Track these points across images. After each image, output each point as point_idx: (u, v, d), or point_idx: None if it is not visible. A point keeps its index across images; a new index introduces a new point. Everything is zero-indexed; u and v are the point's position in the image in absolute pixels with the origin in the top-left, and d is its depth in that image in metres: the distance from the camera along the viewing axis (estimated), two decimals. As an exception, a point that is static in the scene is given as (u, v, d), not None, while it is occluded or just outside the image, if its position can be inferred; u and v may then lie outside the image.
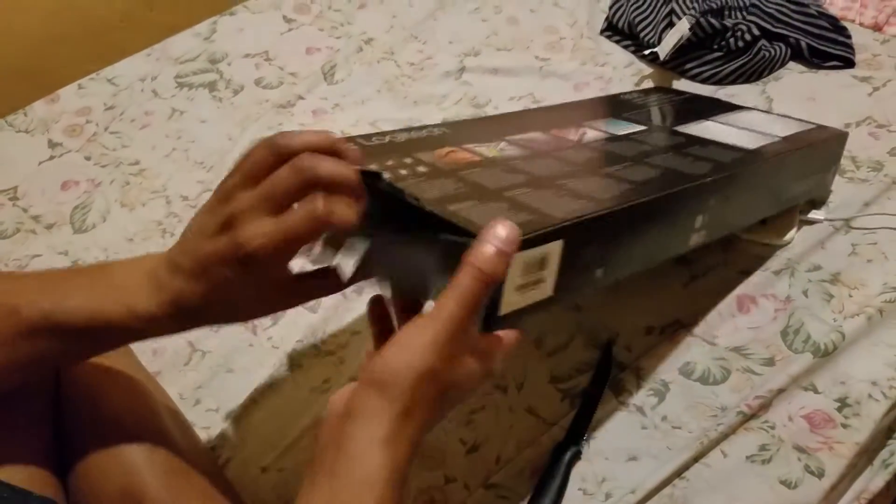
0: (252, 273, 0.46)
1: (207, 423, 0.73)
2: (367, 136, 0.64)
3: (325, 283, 0.53)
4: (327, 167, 0.45)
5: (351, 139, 0.62)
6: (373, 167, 0.53)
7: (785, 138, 0.76)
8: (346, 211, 0.46)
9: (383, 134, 0.65)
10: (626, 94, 0.93)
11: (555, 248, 0.49)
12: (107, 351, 0.54)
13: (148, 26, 1.16)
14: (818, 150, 0.78)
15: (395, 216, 0.51)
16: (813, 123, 0.83)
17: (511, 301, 0.47)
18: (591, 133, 0.73)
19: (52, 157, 0.98)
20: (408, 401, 0.41)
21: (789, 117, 0.85)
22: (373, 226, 0.51)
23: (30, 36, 1.20)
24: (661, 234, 0.60)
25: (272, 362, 0.77)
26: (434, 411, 0.43)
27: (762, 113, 0.87)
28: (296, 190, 0.45)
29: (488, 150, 0.64)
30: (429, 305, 0.49)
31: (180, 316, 0.48)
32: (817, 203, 0.85)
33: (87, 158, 0.98)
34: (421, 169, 0.57)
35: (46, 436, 0.56)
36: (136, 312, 0.47)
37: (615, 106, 0.86)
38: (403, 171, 0.55)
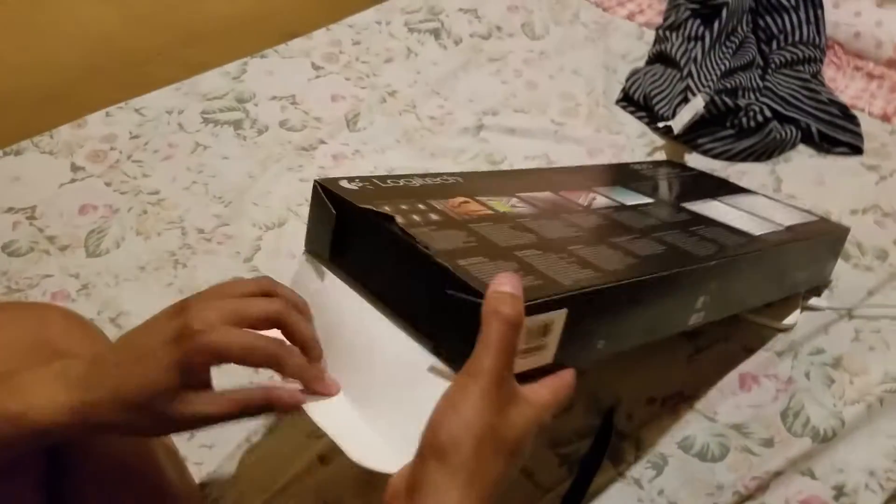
0: (183, 374, 0.44)
1: (200, 459, 0.72)
2: (383, 178, 0.63)
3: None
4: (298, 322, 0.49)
5: (366, 179, 0.61)
6: (386, 209, 0.53)
7: (788, 228, 0.77)
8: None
9: (398, 177, 0.64)
10: (635, 164, 0.94)
11: (559, 316, 0.49)
12: (19, 452, 0.48)
13: (179, 62, 1.19)
14: (820, 243, 0.79)
15: (393, 261, 0.51)
16: (816, 215, 0.84)
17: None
18: (600, 199, 0.74)
19: (73, 181, 0.99)
20: (472, 466, 0.40)
21: (794, 206, 0.86)
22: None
23: (65, 64, 1.23)
24: (663, 311, 0.60)
25: (272, 403, 0.77)
26: (499, 470, 0.42)
27: (767, 198, 0.88)
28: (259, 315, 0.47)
29: (500, 204, 0.64)
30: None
31: (87, 412, 0.44)
32: (821, 288, 0.86)
33: (108, 184, 0.99)
34: (433, 217, 0.56)
35: (39, 479, 0.56)
36: (36, 407, 0.44)
37: (624, 175, 0.87)
38: (416, 217, 0.55)
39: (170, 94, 1.12)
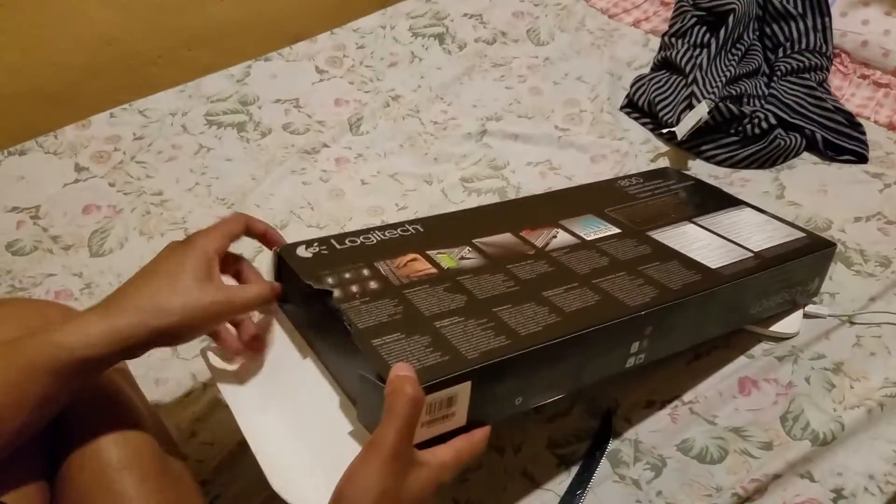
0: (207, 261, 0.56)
1: (201, 456, 0.73)
2: (342, 238, 0.68)
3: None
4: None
5: (325, 241, 0.67)
6: (328, 284, 0.60)
7: (758, 254, 0.75)
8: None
9: (358, 234, 0.69)
10: (624, 178, 0.92)
11: (463, 389, 0.52)
12: (64, 392, 0.52)
13: (184, 65, 1.20)
14: (797, 266, 0.76)
15: (332, 328, 0.57)
16: (804, 231, 0.81)
17: (417, 434, 0.50)
18: (561, 237, 0.74)
19: (76, 181, 1.00)
20: None
21: (783, 221, 0.83)
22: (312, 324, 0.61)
23: (69, 65, 1.24)
24: (588, 362, 0.61)
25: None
26: None
27: (756, 214, 0.84)
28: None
29: (448, 258, 0.67)
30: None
31: (123, 333, 0.51)
32: (822, 294, 0.85)
33: (112, 185, 1.00)
34: (373, 285, 0.61)
35: (40, 463, 0.56)
36: (78, 339, 0.50)
37: (603, 198, 0.85)
38: (355, 288, 0.61)
39: (174, 96, 1.13)
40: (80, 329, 0.50)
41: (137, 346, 0.52)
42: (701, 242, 0.76)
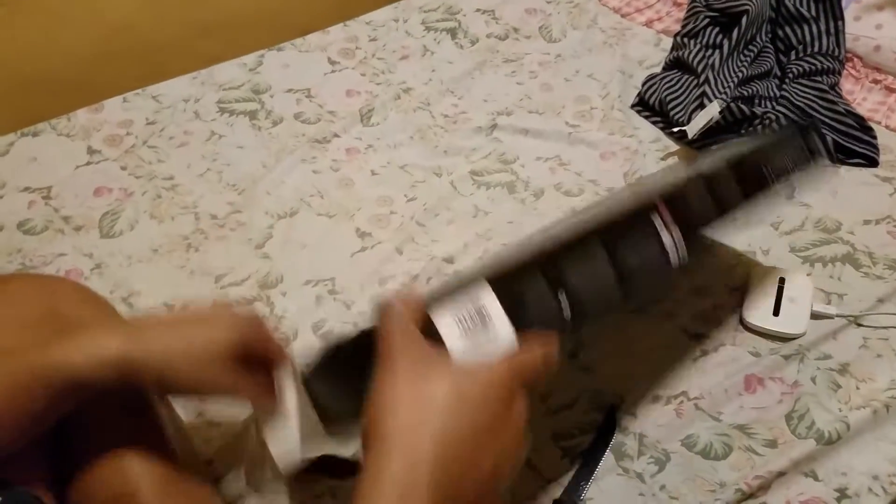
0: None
1: (208, 436, 0.73)
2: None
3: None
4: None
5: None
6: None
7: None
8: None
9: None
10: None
11: (484, 292, 0.49)
12: (59, 404, 0.52)
13: (198, 53, 1.20)
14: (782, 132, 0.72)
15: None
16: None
17: (461, 348, 0.47)
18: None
19: (88, 163, 1.01)
20: (398, 434, 0.42)
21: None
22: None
23: (84, 51, 1.25)
24: (620, 247, 0.55)
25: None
26: (439, 424, 0.42)
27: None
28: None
29: None
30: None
31: (131, 368, 0.51)
32: (830, 295, 0.86)
33: (123, 168, 1.00)
34: None
35: (42, 465, 0.56)
36: (85, 359, 0.50)
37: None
38: None
39: (187, 83, 1.13)
40: (92, 349, 0.49)
41: (142, 383, 0.52)
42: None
